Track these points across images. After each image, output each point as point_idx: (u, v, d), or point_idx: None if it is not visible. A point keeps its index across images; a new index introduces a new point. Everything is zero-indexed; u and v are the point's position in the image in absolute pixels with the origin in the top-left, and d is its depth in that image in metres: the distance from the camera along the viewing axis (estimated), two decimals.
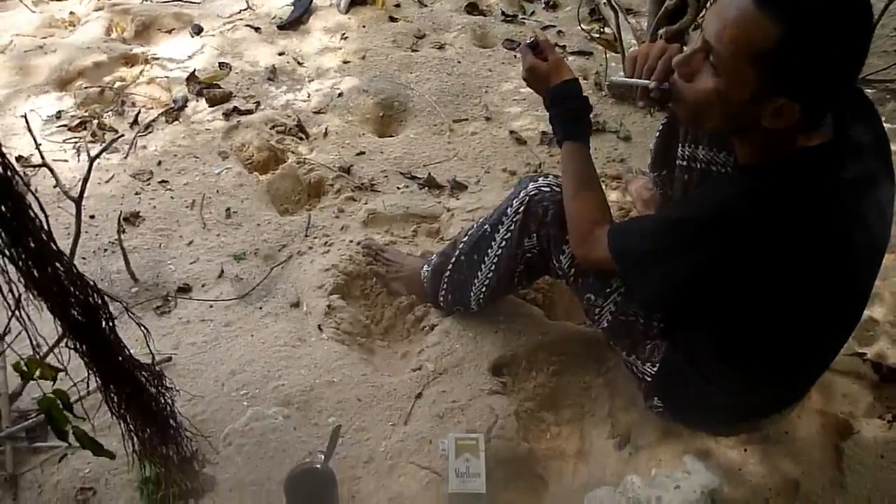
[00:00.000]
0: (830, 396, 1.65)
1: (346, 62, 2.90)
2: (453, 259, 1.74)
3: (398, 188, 2.34)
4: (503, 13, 3.18)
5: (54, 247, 0.85)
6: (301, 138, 2.53)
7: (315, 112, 2.65)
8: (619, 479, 1.47)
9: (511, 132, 2.59)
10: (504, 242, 1.63)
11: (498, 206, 1.67)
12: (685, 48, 1.23)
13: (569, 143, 1.47)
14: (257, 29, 3.07)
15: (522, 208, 1.58)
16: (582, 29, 3.06)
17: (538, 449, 1.58)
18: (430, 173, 2.38)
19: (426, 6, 3.21)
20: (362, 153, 2.47)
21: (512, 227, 1.60)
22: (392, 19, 3.14)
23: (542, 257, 1.59)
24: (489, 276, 1.68)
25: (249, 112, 2.63)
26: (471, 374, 1.69)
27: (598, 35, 3.06)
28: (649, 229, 1.34)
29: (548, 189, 1.56)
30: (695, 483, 1.37)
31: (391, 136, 2.61)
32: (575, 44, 3.02)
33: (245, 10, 3.21)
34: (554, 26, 3.14)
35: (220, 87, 2.74)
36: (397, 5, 3.19)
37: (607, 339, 1.58)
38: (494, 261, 1.66)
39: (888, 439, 1.57)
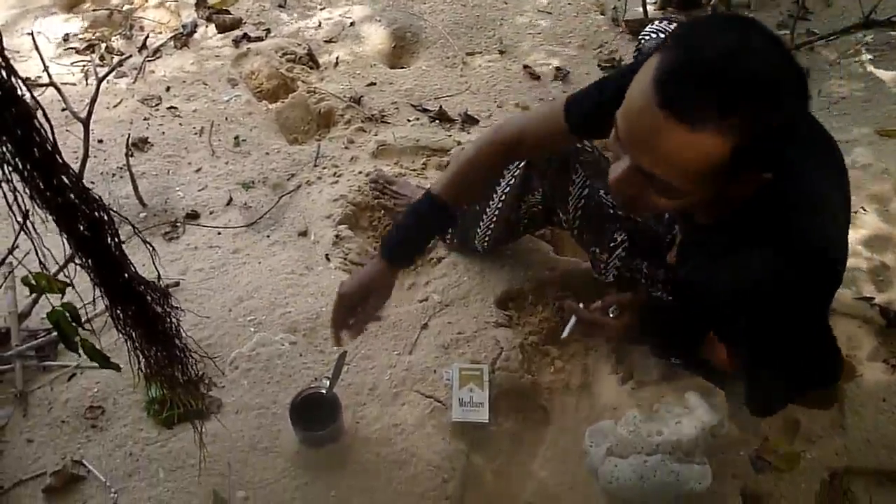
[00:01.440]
0: (836, 338, 1.65)
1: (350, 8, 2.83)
2: None
3: (409, 120, 2.31)
4: None
5: (60, 159, 0.84)
6: (311, 67, 2.49)
7: (326, 41, 2.60)
8: (621, 413, 1.48)
9: (525, 66, 2.54)
10: (504, 196, 1.61)
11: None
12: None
13: None
14: None
15: (523, 165, 1.54)
16: None
17: (541, 382, 1.59)
18: (441, 106, 2.35)
19: None
20: (373, 84, 2.43)
21: (512, 182, 1.57)
22: None
23: (546, 211, 1.57)
24: (491, 226, 1.67)
25: (259, 39, 2.59)
26: (477, 307, 1.69)
27: None
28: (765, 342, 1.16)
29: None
30: (696, 419, 1.38)
31: (402, 68, 2.57)
32: None
33: None
34: None
35: (229, 14, 2.69)
36: None
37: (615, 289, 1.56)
38: (496, 213, 1.64)
39: (891, 383, 1.57)
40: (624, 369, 1.57)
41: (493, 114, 2.35)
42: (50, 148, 0.81)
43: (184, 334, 1.17)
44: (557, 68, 2.53)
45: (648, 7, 2.72)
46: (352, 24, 2.66)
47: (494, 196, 1.61)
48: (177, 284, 1.75)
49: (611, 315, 1.31)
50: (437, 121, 2.32)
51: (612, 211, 1.48)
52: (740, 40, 0.88)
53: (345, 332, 1.39)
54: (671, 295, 1.43)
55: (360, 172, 2.08)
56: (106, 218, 0.92)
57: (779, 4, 2.81)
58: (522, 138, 1.38)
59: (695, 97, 0.87)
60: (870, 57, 2.52)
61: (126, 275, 0.98)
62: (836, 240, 1.08)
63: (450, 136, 2.25)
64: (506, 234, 1.69)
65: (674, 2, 2.71)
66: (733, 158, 0.89)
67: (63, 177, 0.86)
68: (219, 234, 1.91)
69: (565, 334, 1.33)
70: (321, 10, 2.74)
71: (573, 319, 1.32)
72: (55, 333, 1.35)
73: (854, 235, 1.85)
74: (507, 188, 1.58)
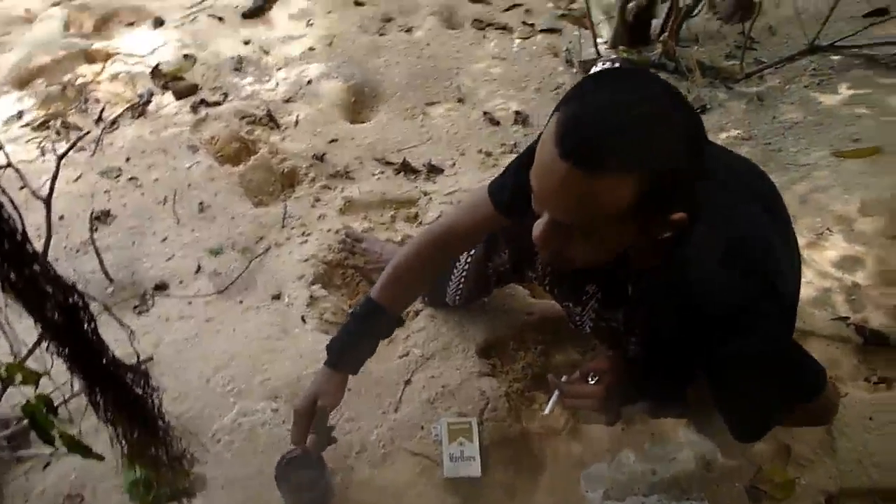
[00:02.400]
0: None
1: (312, 49, 2.85)
2: None
3: (373, 174, 2.31)
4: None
5: (30, 247, 0.81)
6: (272, 128, 2.49)
7: (284, 101, 2.60)
8: (613, 454, 1.47)
9: (485, 113, 2.56)
10: (470, 259, 1.61)
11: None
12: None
13: None
14: (220, 19, 3.00)
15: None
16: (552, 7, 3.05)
17: (531, 429, 1.57)
18: (405, 158, 2.35)
19: None
20: (335, 140, 2.44)
21: (476, 248, 1.57)
22: (358, 3, 3.09)
23: (515, 269, 1.57)
24: (460, 285, 1.67)
25: (217, 104, 2.58)
26: (459, 358, 1.68)
27: (567, 12, 3.05)
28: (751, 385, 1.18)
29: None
30: (690, 454, 1.37)
31: (363, 122, 2.58)
32: (543, 21, 3.00)
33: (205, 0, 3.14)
34: (521, 4, 3.11)
35: (185, 80, 2.68)
36: None
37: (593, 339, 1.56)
38: (463, 274, 1.64)
39: (875, 401, 1.59)
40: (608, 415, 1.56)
41: (456, 162, 2.36)
42: (20, 238, 0.79)
43: (164, 411, 1.14)
44: (517, 112, 2.56)
45: (600, 47, 2.78)
46: (309, 82, 2.67)
47: (461, 259, 1.61)
48: (151, 359, 1.71)
49: (591, 382, 1.31)
50: (402, 173, 2.32)
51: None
52: (630, 89, 0.95)
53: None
54: (643, 347, 1.44)
55: (329, 230, 2.07)
56: (80, 303, 0.90)
57: (725, 36, 2.89)
58: (454, 233, 1.43)
59: (592, 146, 0.92)
60: (816, 81, 2.59)
61: (104, 360, 0.95)
62: (770, 259, 1.10)
63: (416, 186, 2.25)
64: (476, 292, 1.69)
65: (625, 40, 2.77)
66: (640, 199, 0.94)
67: (34, 265, 0.83)
68: (189, 303, 1.88)
69: (547, 411, 1.33)
70: (277, 70, 2.75)
71: (555, 394, 1.32)
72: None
73: (824, 257, 1.88)
74: (471, 254, 1.58)
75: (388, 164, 2.35)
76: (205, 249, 2.03)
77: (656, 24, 2.81)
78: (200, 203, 2.19)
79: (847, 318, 1.72)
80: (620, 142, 0.92)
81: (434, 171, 2.33)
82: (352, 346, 1.42)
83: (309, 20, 2.99)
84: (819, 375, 1.21)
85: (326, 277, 1.95)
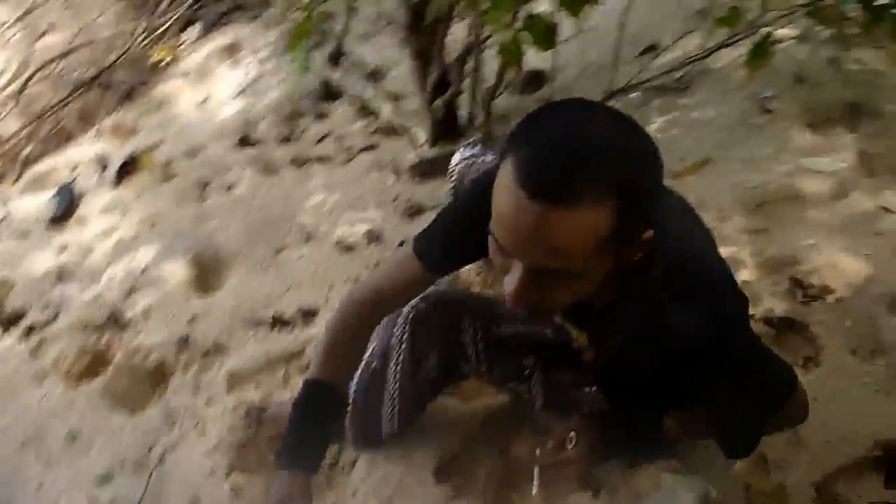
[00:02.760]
0: None
1: (136, 237, 2.68)
2: (349, 406, 1.57)
3: (248, 339, 2.17)
4: (277, 135, 3.12)
5: None
6: (121, 328, 2.28)
7: (125, 296, 2.40)
8: None
9: (336, 243, 2.51)
10: (399, 374, 1.50)
11: (378, 338, 1.51)
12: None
13: None
14: (25, 234, 2.77)
15: (408, 333, 1.44)
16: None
17: None
18: (273, 312, 2.23)
19: (196, 155, 3.08)
20: (194, 318, 2.27)
21: (402, 357, 1.47)
22: (167, 178, 2.97)
23: (446, 370, 1.49)
24: (395, 407, 1.54)
25: (50, 322, 2.34)
26: (417, 493, 1.55)
27: (376, 128, 3.10)
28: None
29: (432, 297, 1.45)
30: (689, 497, 1.33)
31: (217, 291, 2.43)
32: (358, 142, 3.03)
33: (1, 221, 2.89)
34: (330, 133, 3.13)
35: (5, 309, 2.42)
36: (168, 163, 3.03)
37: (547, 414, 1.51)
38: (395, 392, 1.52)
39: (809, 382, 1.62)
40: (589, 482, 1.50)
41: (328, 299, 2.27)
42: None
43: None
44: (368, 232, 2.53)
45: (420, 149, 2.84)
46: (144, 270, 2.49)
47: (389, 378, 1.51)
48: None
49: (570, 446, 1.26)
50: (277, 327, 2.20)
51: (516, 339, 1.45)
52: (581, 115, 0.95)
53: None
54: (604, 394, 1.41)
55: (224, 412, 1.89)
56: None
57: (529, 106, 3.06)
58: (381, 294, 1.39)
59: (562, 177, 0.88)
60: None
61: None
62: (723, 267, 1.13)
63: (296, 336, 2.14)
64: (412, 410, 1.58)
65: (441, 135, 2.85)
66: (620, 221, 0.91)
67: None
68: None
69: (535, 491, 1.26)
70: (105, 268, 2.55)
71: (536, 469, 1.26)
72: None
73: None
74: (398, 367, 1.49)
75: (259, 323, 2.22)
76: (92, 480, 1.78)
77: (462, 114, 2.92)
78: (68, 433, 1.93)
79: (752, 315, 1.79)
80: (589, 167, 0.89)
81: (308, 315, 2.22)
82: (304, 438, 1.32)
83: (122, 207, 2.83)
84: (789, 371, 1.23)
85: (242, 461, 1.76)
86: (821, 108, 2.41)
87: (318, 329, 2.14)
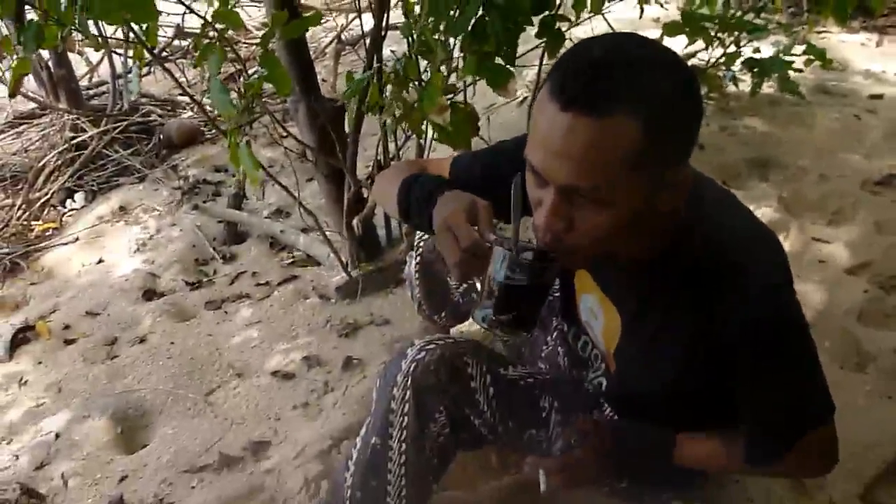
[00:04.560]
0: None
1: (41, 405, 2.38)
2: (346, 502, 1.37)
3: (194, 486, 1.91)
4: (186, 283, 2.94)
5: None
6: (40, 501, 1.95)
7: (37, 468, 2.08)
8: None
9: (273, 373, 2.32)
10: (405, 445, 1.31)
11: (374, 409, 1.35)
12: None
13: None
14: None
15: (410, 392, 1.28)
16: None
17: None
18: (219, 452, 1.99)
19: (98, 314, 2.82)
20: (125, 478, 1.98)
21: (406, 422, 1.29)
22: (68, 342, 2.69)
23: (455, 430, 1.32)
24: (402, 494, 1.33)
25: None
26: None
27: (293, 258, 2.99)
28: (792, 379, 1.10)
29: (431, 347, 1.30)
30: None
31: (146, 445, 2.15)
32: (276, 276, 2.89)
33: None
34: (244, 272, 2.98)
35: None
36: (66, 327, 2.76)
37: None
38: (402, 473, 1.31)
39: None
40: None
41: (277, 430, 2.06)
42: None
43: None
44: (305, 358, 2.36)
45: (341, 276, 2.74)
46: (57, 436, 2.19)
47: (392, 454, 1.31)
48: None
49: (574, 444, 1.16)
50: (226, 468, 1.95)
51: (528, 381, 1.33)
52: (623, 36, 0.99)
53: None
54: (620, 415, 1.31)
55: None
56: None
57: None
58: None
59: (594, 86, 0.91)
60: None
61: None
62: (773, 240, 1.10)
63: (248, 473, 1.91)
64: (420, 494, 1.38)
65: (362, 255, 2.77)
66: (648, 140, 0.90)
67: None
68: None
69: (543, 488, 1.20)
70: (8, 444, 2.22)
71: (542, 474, 1.19)
72: None
73: None
74: (402, 435, 1.30)
75: (203, 468, 1.96)
76: None
77: (381, 232, 2.88)
78: None
79: None
80: (621, 79, 0.90)
81: (260, 447, 2.00)
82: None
83: (20, 379, 2.51)
84: (829, 398, 1.15)
85: None
86: (729, 166, 2.54)
87: (276, 460, 1.92)
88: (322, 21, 5.60)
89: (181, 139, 4.06)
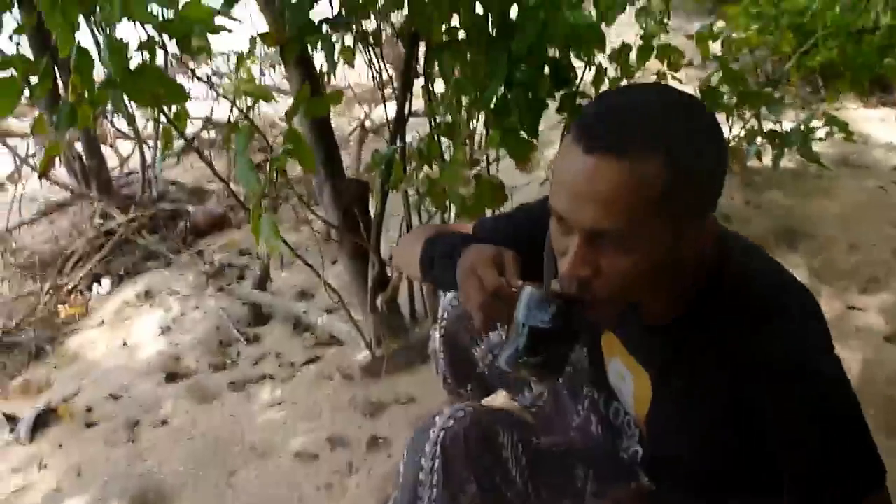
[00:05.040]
0: None
1: (59, 490, 2.33)
2: None
3: None
4: (209, 365, 2.91)
5: None
6: None
7: None
8: None
9: (296, 455, 2.26)
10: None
11: (402, 481, 1.30)
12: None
13: None
14: None
15: (439, 461, 1.22)
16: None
17: None
18: None
19: (121, 396, 2.80)
20: None
21: (435, 494, 1.24)
22: (90, 425, 2.66)
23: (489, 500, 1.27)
24: None
25: None
26: None
27: (316, 339, 2.97)
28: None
29: (461, 415, 1.25)
30: None
31: None
32: (300, 357, 2.87)
33: None
34: (267, 355, 2.96)
35: None
36: (88, 409, 2.73)
37: None
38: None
39: None
40: None
41: None
42: None
43: None
44: (328, 440, 2.31)
45: (365, 352, 2.71)
46: None
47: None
48: None
49: None
50: None
51: (561, 449, 1.27)
52: (647, 88, 1.03)
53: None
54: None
55: None
56: None
57: None
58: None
59: (617, 128, 0.92)
60: None
61: None
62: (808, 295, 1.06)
63: None
64: None
65: (387, 332, 2.74)
66: (671, 182, 0.90)
67: None
68: None
69: None
70: None
71: None
72: None
73: None
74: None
75: None
76: None
77: (405, 312, 2.85)
78: None
79: None
80: (646, 121, 0.92)
81: None
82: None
83: (40, 462, 2.47)
84: (880, 462, 1.06)
85: None
86: (756, 237, 2.51)
87: None
88: (344, 110, 5.76)
89: (208, 225, 4.13)
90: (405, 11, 2.25)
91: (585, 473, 1.25)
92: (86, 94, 1.85)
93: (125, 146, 5.06)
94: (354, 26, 2.46)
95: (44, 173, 2.08)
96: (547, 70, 1.96)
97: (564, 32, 1.86)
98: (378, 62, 2.81)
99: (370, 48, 2.75)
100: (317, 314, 3.06)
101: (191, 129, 4.66)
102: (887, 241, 2.62)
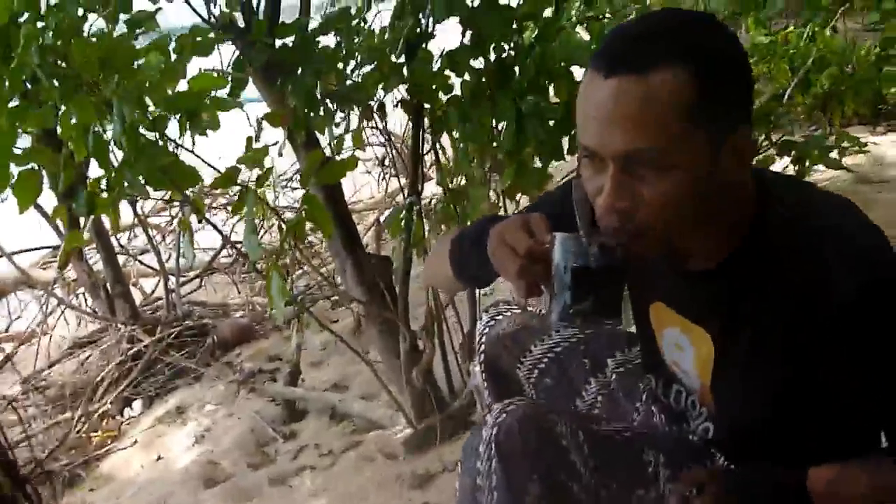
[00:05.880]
0: None
1: None
2: None
3: None
4: (248, 465, 2.81)
5: None
6: None
7: None
8: None
9: None
10: None
11: (458, 496, 1.20)
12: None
13: None
14: None
15: (495, 462, 1.11)
16: None
17: None
18: None
19: None
20: None
21: (496, 498, 1.12)
22: None
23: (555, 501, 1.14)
24: None
25: None
26: None
27: (354, 428, 2.87)
28: None
29: (512, 408, 1.14)
30: None
31: None
32: (339, 445, 2.76)
33: None
34: (305, 447, 2.85)
35: None
36: None
37: None
38: None
39: None
40: None
41: None
42: None
43: None
44: None
45: (407, 430, 2.61)
46: None
47: None
48: None
49: (691, 499, 1.00)
50: None
51: (626, 434, 1.18)
52: (665, 10, 1.01)
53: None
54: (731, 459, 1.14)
55: None
56: None
57: None
58: None
59: (635, 48, 0.90)
60: None
61: None
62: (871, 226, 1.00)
63: None
64: None
65: (426, 408, 2.64)
66: (701, 91, 0.88)
67: None
68: None
69: None
70: None
71: None
72: None
73: None
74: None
75: None
76: None
77: (441, 385, 2.76)
78: None
79: None
80: (664, 35, 0.90)
81: None
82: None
83: None
84: None
85: None
86: None
87: None
88: (360, 220, 5.84)
89: (235, 337, 4.10)
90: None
91: (656, 458, 1.14)
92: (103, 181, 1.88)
93: (148, 283, 5.13)
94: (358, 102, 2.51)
95: (64, 265, 2.07)
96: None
97: (562, 59, 1.88)
98: (384, 136, 2.84)
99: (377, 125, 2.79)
100: (352, 401, 2.98)
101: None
102: None
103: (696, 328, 1.09)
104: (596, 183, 0.95)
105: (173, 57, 1.97)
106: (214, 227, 2.57)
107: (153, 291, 4.80)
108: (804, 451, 1.03)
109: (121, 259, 4.41)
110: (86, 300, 4.39)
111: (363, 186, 5.43)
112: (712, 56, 0.90)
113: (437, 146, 2.51)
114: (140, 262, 5.03)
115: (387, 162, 4.72)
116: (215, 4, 2.23)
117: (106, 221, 2.88)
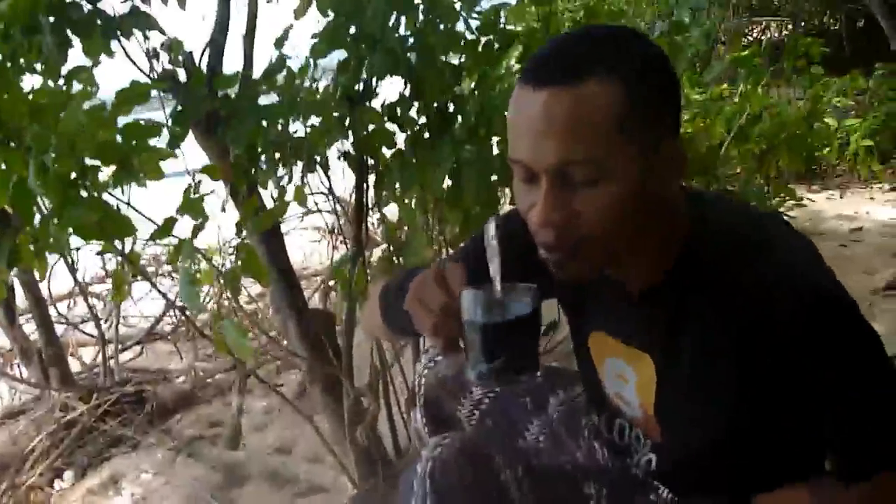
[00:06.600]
0: None
1: None
2: None
3: None
4: None
5: None
6: None
7: None
8: None
9: None
10: None
11: None
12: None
13: None
14: None
15: (431, 498, 1.07)
16: None
17: None
18: None
19: None
20: None
21: None
22: None
23: None
24: None
25: None
26: None
27: (295, 492, 2.75)
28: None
29: (448, 441, 1.12)
30: None
31: None
32: None
33: None
34: None
35: None
36: None
37: None
38: None
39: None
40: None
41: None
42: None
43: None
44: None
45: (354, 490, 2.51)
46: None
47: None
48: None
49: None
50: None
51: (566, 468, 1.14)
52: (592, 26, 1.01)
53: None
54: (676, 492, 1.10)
55: None
56: None
57: None
58: None
59: (563, 61, 0.90)
60: None
61: None
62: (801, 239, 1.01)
63: None
64: None
65: (369, 476, 2.56)
66: (631, 101, 0.88)
67: None
68: None
69: None
70: None
71: None
72: None
73: None
74: None
75: None
76: None
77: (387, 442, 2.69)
78: None
79: None
80: (592, 47, 0.91)
81: None
82: None
83: None
84: None
85: None
86: None
87: None
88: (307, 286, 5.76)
89: (174, 403, 3.95)
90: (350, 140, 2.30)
91: (598, 492, 1.11)
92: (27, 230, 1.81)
93: (88, 353, 4.94)
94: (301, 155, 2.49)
95: None
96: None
97: (502, 108, 1.90)
98: (329, 195, 2.82)
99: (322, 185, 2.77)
100: (296, 465, 2.87)
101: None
102: (860, 283, 2.67)
103: (637, 353, 1.07)
104: (530, 199, 0.93)
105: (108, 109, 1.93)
106: (154, 286, 2.50)
107: (94, 359, 4.64)
108: (749, 477, 1.01)
109: (60, 329, 4.26)
110: (20, 370, 4.23)
111: (312, 254, 5.40)
112: (642, 68, 0.91)
113: (381, 200, 2.50)
114: (80, 329, 4.88)
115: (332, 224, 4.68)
116: (158, 60, 2.22)
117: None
